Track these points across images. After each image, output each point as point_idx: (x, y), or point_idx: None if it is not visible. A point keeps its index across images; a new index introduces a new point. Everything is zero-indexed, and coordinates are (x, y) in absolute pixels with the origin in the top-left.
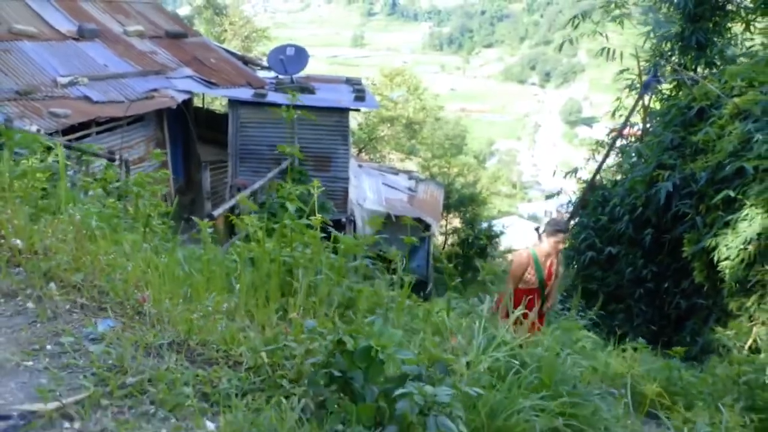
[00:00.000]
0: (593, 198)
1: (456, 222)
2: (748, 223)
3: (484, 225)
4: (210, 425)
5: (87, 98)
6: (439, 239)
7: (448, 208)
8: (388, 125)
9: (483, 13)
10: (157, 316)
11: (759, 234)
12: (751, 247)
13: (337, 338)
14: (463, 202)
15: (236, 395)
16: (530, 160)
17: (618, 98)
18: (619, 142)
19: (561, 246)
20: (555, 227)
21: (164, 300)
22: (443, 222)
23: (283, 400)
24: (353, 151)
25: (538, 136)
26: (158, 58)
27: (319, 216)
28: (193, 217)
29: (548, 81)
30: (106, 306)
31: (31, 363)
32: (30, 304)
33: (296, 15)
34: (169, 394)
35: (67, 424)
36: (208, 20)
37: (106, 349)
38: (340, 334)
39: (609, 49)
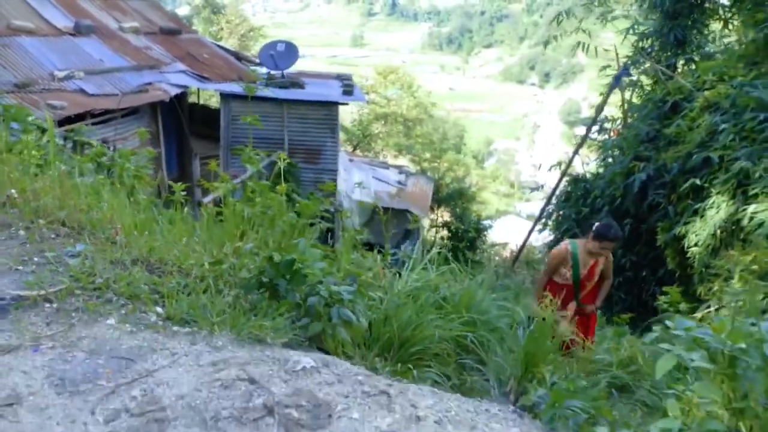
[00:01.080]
0: (575, 191)
1: (447, 216)
2: (715, 211)
3: (474, 219)
4: (159, 309)
5: (82, 91)
6: (432, 232)
7: (439, 202)
8: (383, 122)
9: (482, 13)
10: (126, 243)
11: (724, 221)
12: (717, 233)
13: (268, 254)
14: (452, 196)
15: (182, 293)
16: (529, 160)
17: (601, 93)
18: (600, 136)
19: (603, 252)
20: (599, 232)
21: (133, 233)
22: (434, 216)
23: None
24: (349, 148)
25: (537, 136)
26: (153, 53)
27: (284, 184)
28: (169, 182)
29: (547, 81)
30: (84, 235)
31: (21, 268)
32: (21, 232)
33: (296, 15)
34: (128, 288)
35: (47, 305)
36: (206, 19)
37: (82, 261)
38: (271, 252)
39: (584, 44)
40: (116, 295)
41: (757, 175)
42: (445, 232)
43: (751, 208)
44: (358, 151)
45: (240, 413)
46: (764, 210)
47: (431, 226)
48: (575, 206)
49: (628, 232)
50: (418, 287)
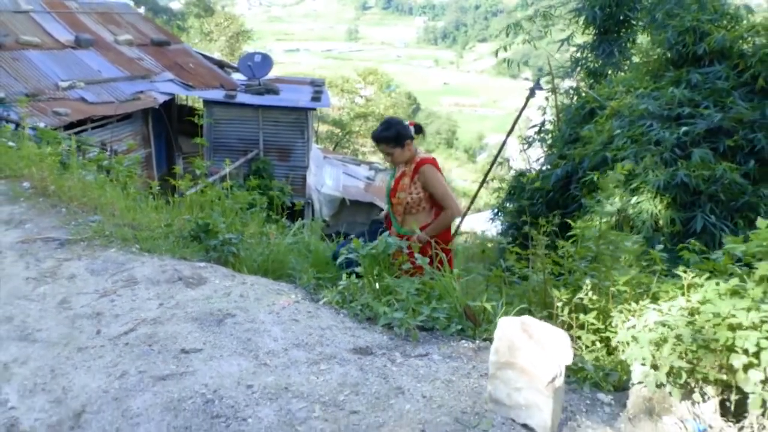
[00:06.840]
0: (518, 185)
1: None
2: (611, 202)
3: None
4: (137, 246)
5: (83, 99)
6: None
7: None
8: (362, 121)
9: (477, 7)
10: (120, 215)
11: (618, 210)
12: (612, 221)
13: (194, 220)
14: None
15: (149, 239)
16: (520, 155)
17: (546, 98)
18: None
19: (387, 155)
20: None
21: (126, 212)
22: None
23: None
24: (330, 146)
25: (529, 131)
26: (144, 63)
27: (228, 181)
28: (164, 177)
29: (541, 76)
30: (97, 211)
31: (66, 226)
32: (63, 209)
33: (291, 8)
34: (120, 235)
35: (82, 243)
36: (198, 16)
37: (97, 223)
38: (197, 218)
39: (509, 60)
40: (115, 239)
41: (636, 172)
42: None
43: (634, 199)
44: (338, 148)
45: (168, 280)
46: (643, 201)
47: None
48: (518, 199)
49: (559, 222)
50: (294, 242)
